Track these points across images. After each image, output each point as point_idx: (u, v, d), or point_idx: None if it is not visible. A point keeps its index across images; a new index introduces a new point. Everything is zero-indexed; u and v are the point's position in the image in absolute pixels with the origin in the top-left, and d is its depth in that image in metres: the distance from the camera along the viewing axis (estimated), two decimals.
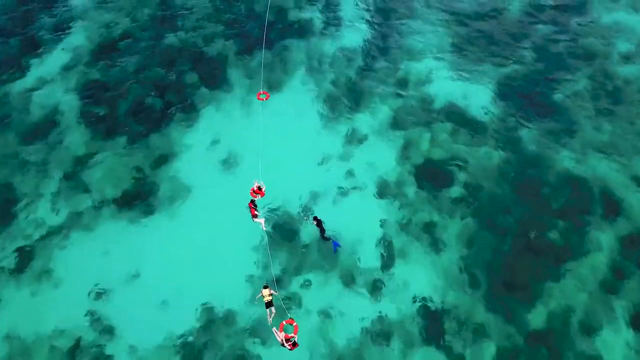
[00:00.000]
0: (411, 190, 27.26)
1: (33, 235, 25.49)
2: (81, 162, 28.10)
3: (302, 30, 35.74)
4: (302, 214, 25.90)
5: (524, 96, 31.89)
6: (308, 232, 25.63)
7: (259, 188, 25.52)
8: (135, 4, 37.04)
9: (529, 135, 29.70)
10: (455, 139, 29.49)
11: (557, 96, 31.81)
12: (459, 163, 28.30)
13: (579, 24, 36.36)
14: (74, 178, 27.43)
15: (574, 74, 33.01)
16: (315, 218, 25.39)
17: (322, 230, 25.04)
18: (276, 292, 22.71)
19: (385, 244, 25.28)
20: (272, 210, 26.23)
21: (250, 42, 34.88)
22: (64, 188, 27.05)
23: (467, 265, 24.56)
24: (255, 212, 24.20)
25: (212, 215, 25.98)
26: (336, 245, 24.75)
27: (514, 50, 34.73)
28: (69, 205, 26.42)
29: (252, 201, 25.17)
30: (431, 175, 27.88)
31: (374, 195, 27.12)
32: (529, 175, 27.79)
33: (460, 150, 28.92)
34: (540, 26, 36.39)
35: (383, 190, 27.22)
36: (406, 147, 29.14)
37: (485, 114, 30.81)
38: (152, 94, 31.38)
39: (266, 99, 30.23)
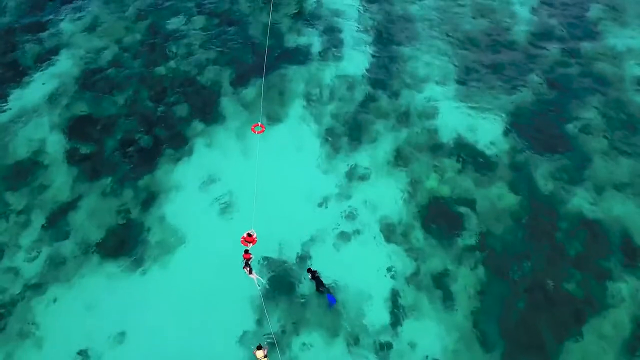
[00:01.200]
0: (418, 234, 25.51)
1: (10, 288, 23.59)
2: (64, 205, 26.21)
3: (301, 56, 34.06)
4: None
5: (534, 129, 30.25)
6: (307, 283, 23.81)
7: (249, 235, 23.85)
8: (125, 29, 35.32)
9: (540, 173, 28.01)
10: (464, 176, 27.80)
11: (569, 128, 30.19)
12: (469, 204, 26.59)
13: (589, 49, 34.83)
14: (55, 224, 25.55)
15: (587, 104, 31.41)
16: (309, 270, 23.65)
17: (319, 283, 23.25)
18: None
19: (391, 296, 23.50)
20: (267, 261, 24.38)
21: (246, 69, 33.18)
22: (44, 235, 25.17)
23: (480, 322, 22.79)
24: (249, 268, 22.48)
25: (204, 266, 24.14)
26: (331, 300, 22.91)
27: (522, 78, 33.14)
28: (50, 254, 24.53)
29: (246, 251, 23.47)
30: (439, 217, 26.15)
31: (379, 241, 25.34)
32: (543, 219, 26.08)
33: (470, 190, 27.21)
34: (548, 51, 34.84)
35: (388, 235, 25.46)
36: (411, 186, 27.42)
37: (494, 149, 29.14)
38: (142, 128, 29.58)
39: (261, 132, 28.55)
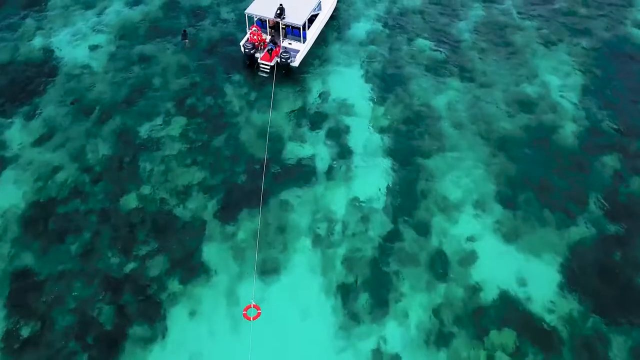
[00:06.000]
0: None
1: None
2: None
3: (305, 175, 27.65)
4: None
5: (601, 279, 24.07)
6: None
7: None
8: (87, 137, 28.70)
9: (617, 353, 21.82)
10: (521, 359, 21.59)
11: None
12: None
13: None
14: None
15: None
16: None
17: None
18: None
19: None
20: None
21: (238, 195, 26.75)
22: None
23: None
24: None
25: None
26: None
27: (576, 200, 26.95)
28: None
29: None
30: None
31: None
32: None
33: None
34: (604, 158, 28.77)
35: None
36: None
37: (553, 314, 22.90)
38: (102, 294, 22.98)
39: (256, 318, 22.03)
